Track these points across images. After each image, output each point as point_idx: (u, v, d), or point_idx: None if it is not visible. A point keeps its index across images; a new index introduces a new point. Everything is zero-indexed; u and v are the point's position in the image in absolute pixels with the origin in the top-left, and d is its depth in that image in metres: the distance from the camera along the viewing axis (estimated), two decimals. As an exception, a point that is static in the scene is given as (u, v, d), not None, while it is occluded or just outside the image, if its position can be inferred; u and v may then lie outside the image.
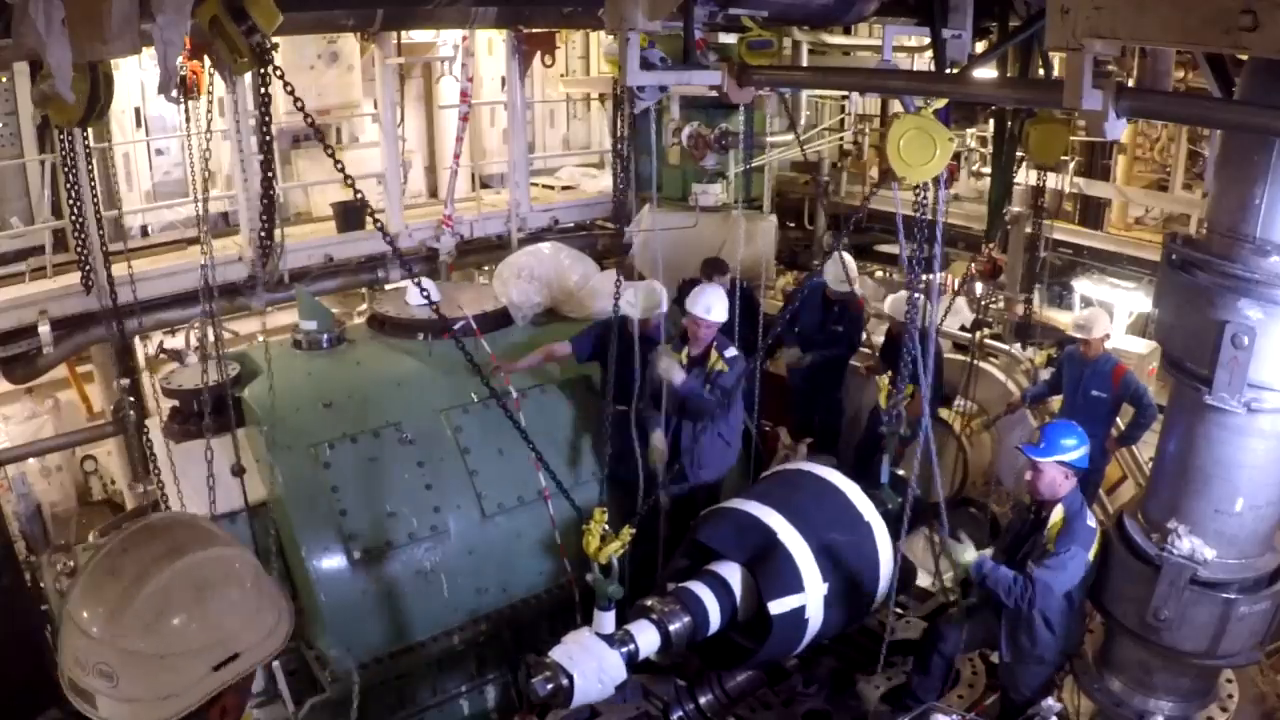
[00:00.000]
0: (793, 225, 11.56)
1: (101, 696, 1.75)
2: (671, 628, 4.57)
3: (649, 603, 4.65)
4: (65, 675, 1.77)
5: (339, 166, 3.88)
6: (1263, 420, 3.71)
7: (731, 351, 6.19)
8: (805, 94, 10.71)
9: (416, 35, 10.62)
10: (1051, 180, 10.03)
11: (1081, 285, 10.27)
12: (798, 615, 4.80)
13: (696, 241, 8.95)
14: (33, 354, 7.62)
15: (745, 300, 7.30)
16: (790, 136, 10.43)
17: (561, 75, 13.30)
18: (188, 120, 7.17)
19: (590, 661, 4.20)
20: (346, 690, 4.91)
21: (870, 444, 7.59)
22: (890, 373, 6.11)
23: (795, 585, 4.78)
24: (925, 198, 4.63)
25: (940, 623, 5.39)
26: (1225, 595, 3.95)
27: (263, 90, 3.66)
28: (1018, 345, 8.56)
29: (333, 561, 5.62)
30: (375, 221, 4.41)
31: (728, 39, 7.11)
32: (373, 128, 10.99)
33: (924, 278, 5.46)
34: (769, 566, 4.82)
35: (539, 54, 9.61)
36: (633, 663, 4.41)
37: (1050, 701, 4.37)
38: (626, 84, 4.61)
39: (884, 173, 4.35)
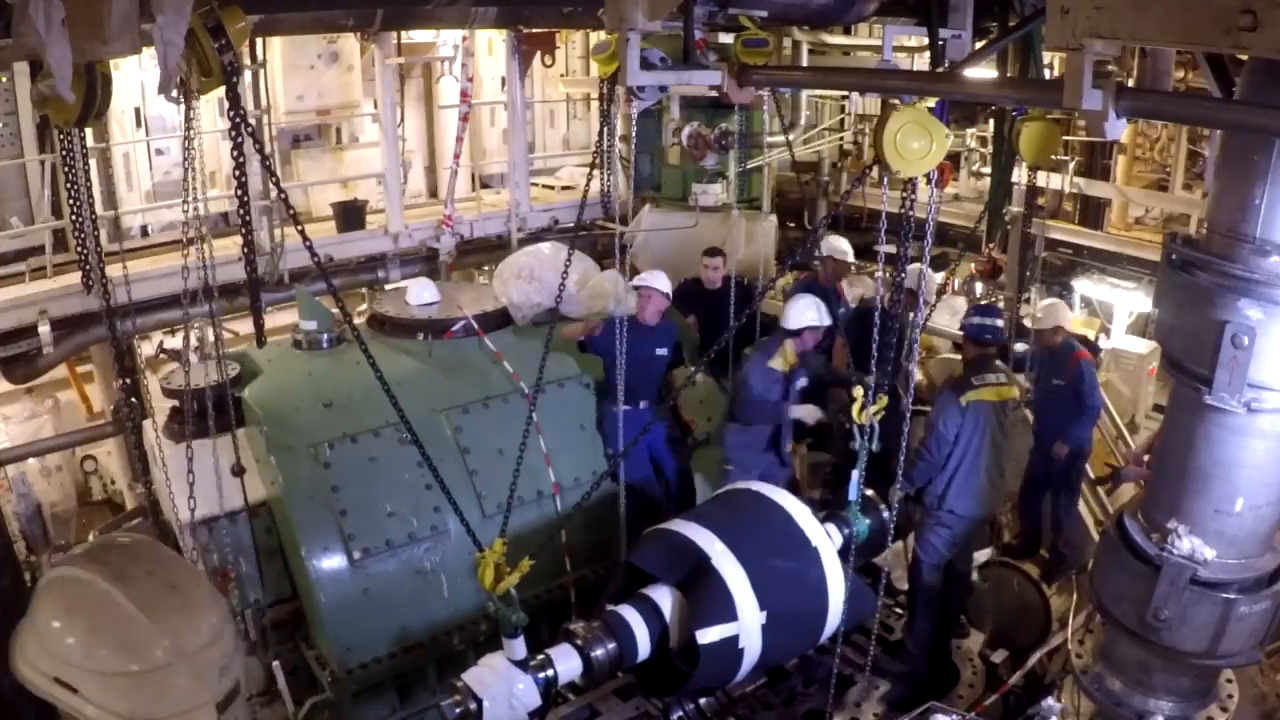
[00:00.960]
0: (793, 225, 11.57)
1: None
2: (594, 654, 4.41)
3: (573, 627, 4.52)
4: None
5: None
6: (1263, 420, 3.70)
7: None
8: (805, 94, 10.71)
9: (416, 35, 10.62)
10: (1053, 181, 10.06)
11: (1081, 285, 10.27)
12: (729, 645, 4.58)
13: (696, 241, 8.95)
14: (33, 354, 7.62)
15: (743, 298, 7.30)
16: (790, 136, 10.44)
17: (561, 75, 13.31)
18: (187, 120, 7.19)
19: (501, 686, 4.10)
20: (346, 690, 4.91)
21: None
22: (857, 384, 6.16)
23: (727, 614, 4.55)
24: (913, 194, 4.57)
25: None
26: (1225, 595, 3.95)
27: (232, 114, 3.62)
28: (1020, 345, 8.55)
29: (333, 561, 5.62)
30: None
31: (727, 39, 7.12)
32: (373, 128, 10.99)
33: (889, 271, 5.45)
34: (699, 593, 4.60)
35: (539, 54, 9.62)
36: (551, 688, 4.30)
37: (1050, 701, 4.37)
38: (626, 84, 4.60)
39: (874, 164, 4.28)
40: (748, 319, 7.06)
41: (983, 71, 5.24)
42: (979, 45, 5.48)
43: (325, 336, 6.69)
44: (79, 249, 7.44)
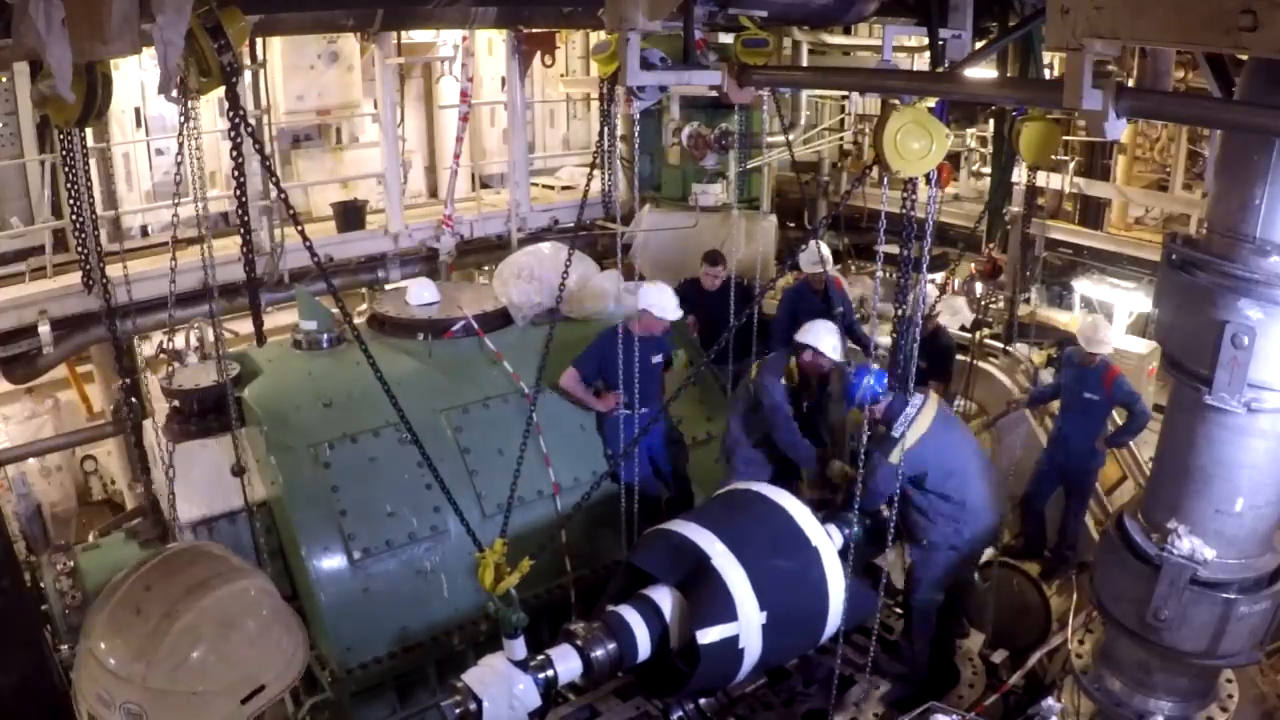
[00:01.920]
0: (793, 225, 11.57)
1: None
2: (594, 654, 4.41)
3: (574, 627, 4.52)
4: (85, 711, 1.72)
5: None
6: (1263, 420, 3.70)
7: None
8: (805, 94, 10.71)
9: (416, 35, 10.63)
10: (1053, 180, 10.06)
11: (1081, 285, 10.27)
12: (730, 645, 4.57)
13: (696, 241, 8.95)
14: (33, 354, 7.63)
15: (743, 298, 7.30)
16: (790, 136, 10.44)
17: (561, 75, 13.31)
18: (187, 120, 7.19)
19: (501, 686, 4.11)
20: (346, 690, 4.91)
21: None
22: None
23: (727, 614, 4.54)
24: (912, 194, 4.57)
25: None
26: (1225, 595, 3.95)
27: (232, 114, 3.61)
28: (1020, 345, 8.56)
29: (333, 561, 5.62)
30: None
31: (727, 39, 7.12)
32: (373, 128, 10.99)
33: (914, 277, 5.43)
34: (699, 593, 4.60)
35: (539, 54, 9.62)
36: (551, 689, 4.31)
37: (1050, 701, 4.37)
38: (626, 84, 4.60)
39: (874, 164, 4.26)
40: (747, 319, 7.09)
41: (983, 71, 5.24)
42: (979, 45, 5.48)
43: (325, 336, 6.69)
44: (79, 249, 7.45)
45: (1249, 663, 4.37)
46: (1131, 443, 7.80)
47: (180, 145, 4.58)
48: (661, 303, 6.35)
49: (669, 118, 9.77)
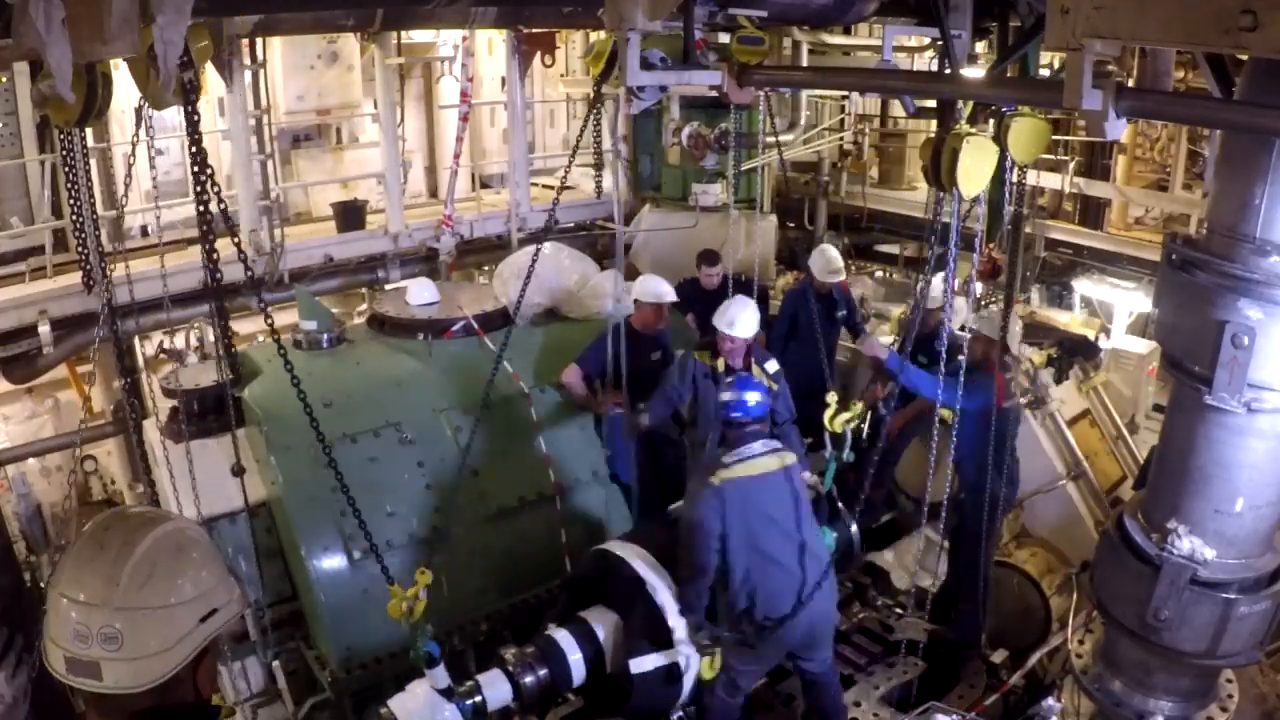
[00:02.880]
0: (793, 225, 11.57)
1: (106, 663, 1.89)
2: (524, 680, 4.35)
3: (506, 653, 4.45)
4: (61, 655, 1.91)
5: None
6: (1263, 420, 3.70)
7: (773, 364, 6.10)
8: (805, 94, 10.71)
9: (416, 35, 10.63)
10: (1047, 179, 10.05)
11: (1081, 285, 10.26)
12: (667, 672, 4.45)
13: (696, 241, 8.95)
14: (33, 354, 7.62)
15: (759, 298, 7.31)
16: (790, 136, 10.43)
17: (561, 75, 13.31)
18: (187, 120, 7.18)
19: (424, 714, 4.08)
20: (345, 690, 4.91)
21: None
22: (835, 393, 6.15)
23: (661, 641, 4.43)
24: (952, 206, 4.55)
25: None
26: (1225, 595, 3.95)
27: (191, 133, 3.55)
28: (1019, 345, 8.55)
29: (333, 561, 5.62)
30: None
31: (727, 38, 7.13)
32: (373, 128, 10.99)
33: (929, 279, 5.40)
34: (633, 619, 4.50)
35: (539, 54, 9.62)
36: (481, 714, 4.24)
37: (1050, 701, 4.37)
38: (626, 84, 4.60)
39: (938, 182, 4.29)
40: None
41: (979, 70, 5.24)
42: (982, 48, 5.48)
43: (325, 336, 6.69)
44: (79, 249, 7.45)
45: (1249, 663, 4.37)
46: (1132, 442, 7.81)
47: (147, 148, 4.53)
48: (652, 289, 6.39)
49: (669, 118, 9.77)
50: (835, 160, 11.75)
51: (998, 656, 5.95)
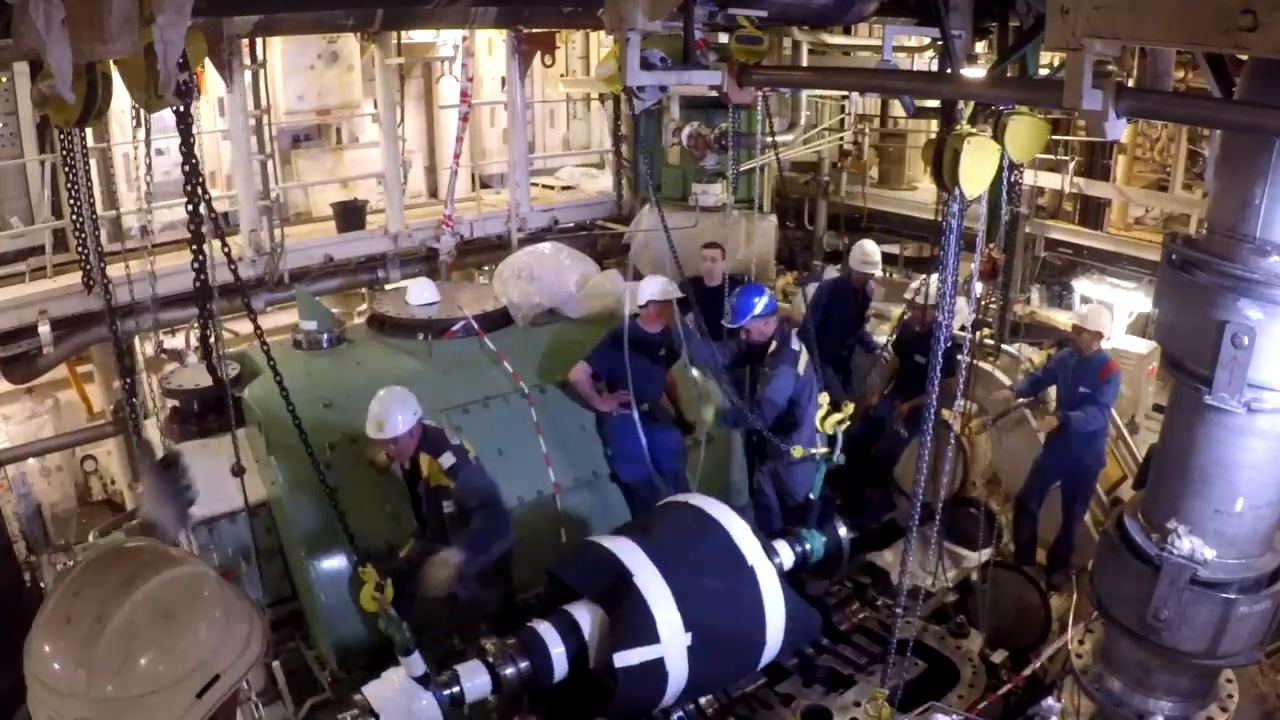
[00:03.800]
0: (793, 225, 11.57)
1: None
2: (504, 672, 4.25)
3: (487, 643, 4.37)
4: None
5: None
6: (1263, 420, 3.70)
7: (449, 458, 5.29)
8: (805, 94, 10.71)
9: (416, 35, 10.62)
10: (1041, 178, 10.06)
11: (1081, 285, 10.26)
12: (652, 668, 4.35)
13: (696, 242, 8.95)
14: (33, 354, 7.62)
15: None
16: (790, 136, 10.43)
17: (561, 75, 13.30)
18: (180, 122, 7.17)
19: (399, 701, 4.01)
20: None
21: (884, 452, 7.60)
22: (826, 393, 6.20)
23: (647, 635, 4.32)
24: (952, 205, 4.54)
25: None
26: (1225, 595, 3.95)
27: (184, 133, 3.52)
28: (1020, 345, 8.56)
29: (333, 561, 5.62)
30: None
31: (725, 38, 7.13)
32: (373, 128, 10.99)
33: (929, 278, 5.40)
34: (620, 612, 4.39)
35: (539, 54, 9.62)
36: (459, 704, 4.17)
37: (1050, 701, 4.37)
38: (626, 84, 4.59)
39: (941, 183, 4.28)
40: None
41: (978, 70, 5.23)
42: (982, 48, 5.47)
43: (325, 336, 6.69)
44: (79, 249, 7.44)
45: (1249, 663, 4.37)
46: (1132, 442, 7.80)
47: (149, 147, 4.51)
48: (660, 289, 6.40)
49: (669, 118, 9.77)
50: (835, 160, 11.75)
51: (998, 656, 5.95)
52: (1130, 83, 7.14)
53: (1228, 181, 3.71)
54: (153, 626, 1.66)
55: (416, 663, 4.07)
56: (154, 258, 6.87)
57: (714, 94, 5.05)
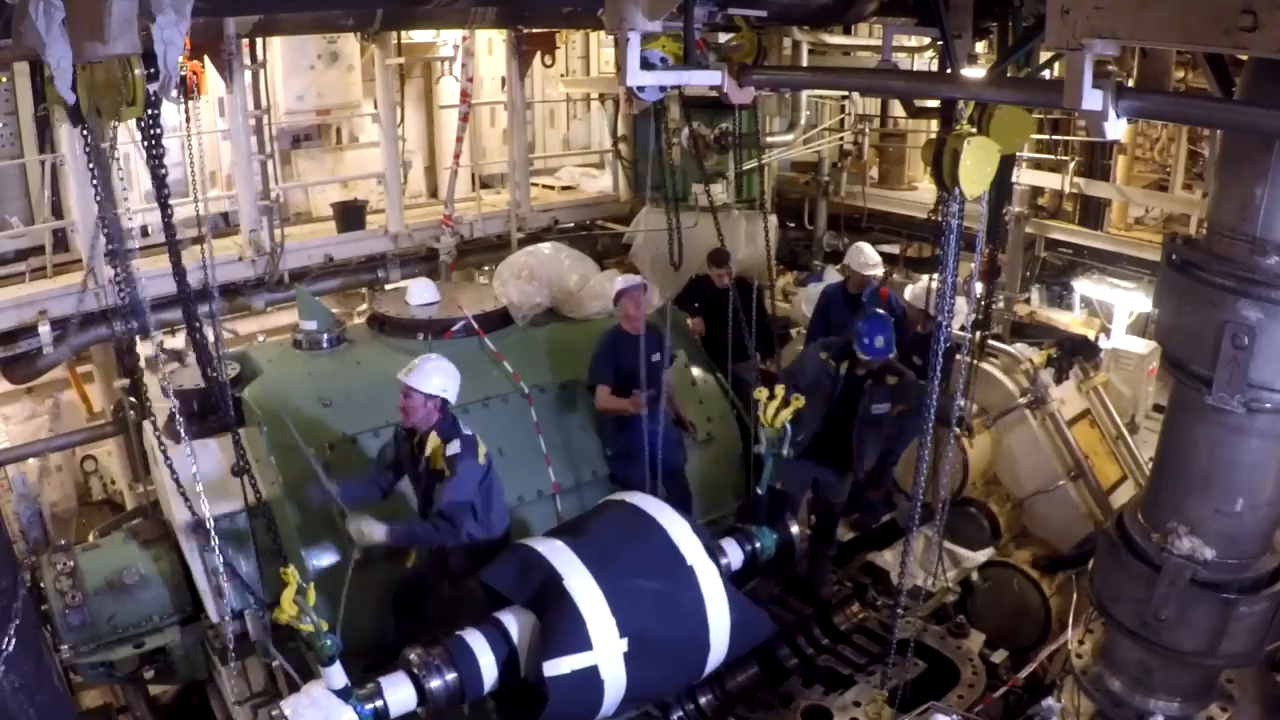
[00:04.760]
0: (793, 225, 11.57)
1: None
2: (430, 684, 4.05)
3: (411, 654, 4.14)
4: None
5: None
6: (1263, 420, 3.71)
7: (455, 447, 5.14)
8: (805, 94, 10.72)
9: (416, 35, 10.62)
10: (1025, 176, 10.07)
11: (1081, 285, 10.27)
12: (586, 677, 4.12)
13: (696, 241, 8.95)
14: (33, 354, 7.62)
15: (750, 298, 7.29)
16: (790, 136, 10.43)
17: (561, 75, 13.31)
18: (188, 120, 7.18)
19: (318, 717, 3.84)
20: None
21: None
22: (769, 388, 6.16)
23: (579, 642, 4.11)
24: (952, 206, 4.53)
25: None
26: (1225, 595, 3.95)
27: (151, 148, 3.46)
28: (1020, 345, 8.55)
29: (333, 561, 5.61)
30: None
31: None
32: (373, 128, 10.99)
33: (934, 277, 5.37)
34: (549, 619, 4.19)
35: (539, 54, 9.62)
36: (382, 719, 4.00)
37: (1050, 701, 4.37)
38: (626, 84, 4.59)
39: (941, 183, 4.25)
40: (754, 319, 7.10)
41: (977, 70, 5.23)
42: (982, 48, 5.46)
43: (325, 336, 6.68)
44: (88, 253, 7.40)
45: (1249, 663, 4.38)
46: (1132, 442, 7.80)
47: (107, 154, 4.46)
48: (622, 280, 6.41)
49: (669, 118, 9.76)
50: (835, 160, 11.75)
51: (998, 656, 5.95)
52: (1130, 83, 7.15)
53: (1228, 181, 3.71)
54: None
55: (337, 674, 3.88)
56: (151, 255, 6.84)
57: (714, 94, 5.04)
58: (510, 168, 10.08)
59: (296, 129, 11.19)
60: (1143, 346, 8.65)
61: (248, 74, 8.08)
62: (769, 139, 10.30)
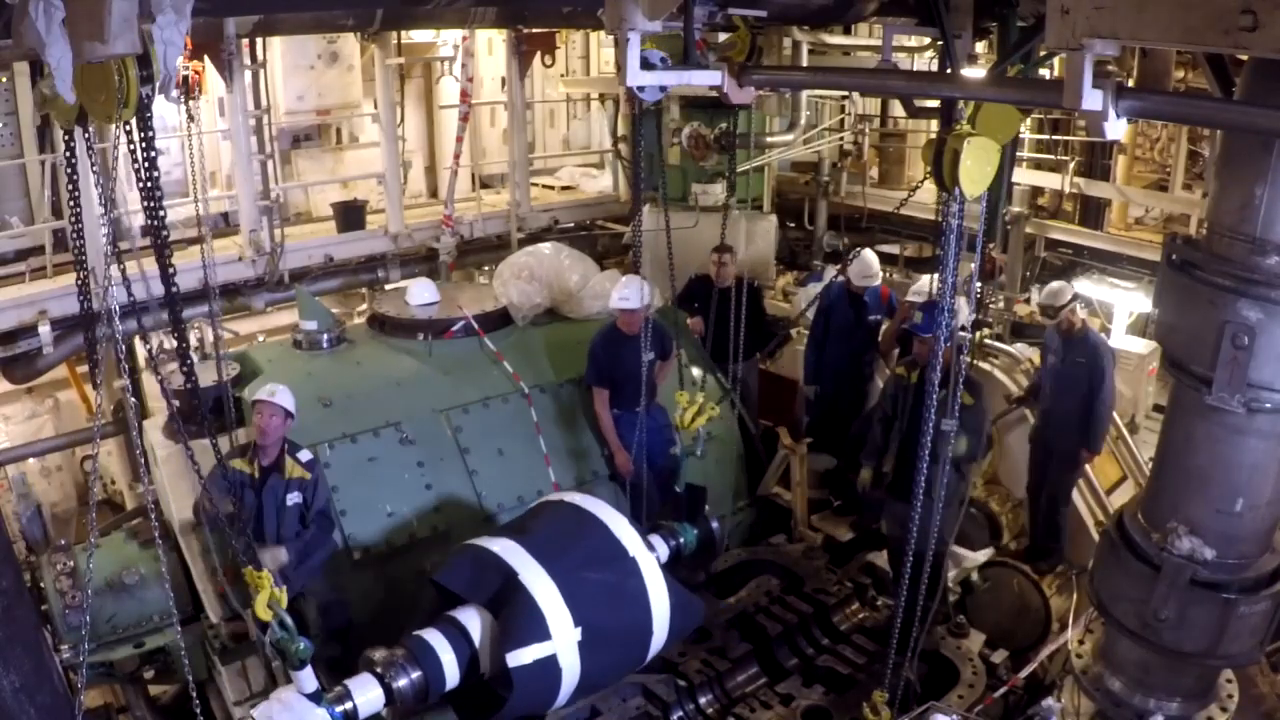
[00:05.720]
0: (793, 225, 11.57)
1: None
2: (396, 684, 4.15)
3: (374, 655, 4.22)
4: None
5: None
6: (1262, 420, 3.71)
7: (305, 454, 5.39)
8: (805, 94, 10.72)
9: (416, 35, 10.63)
10: (1023, 176, 10.07)
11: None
12: (546, 665, 4.29)
13: (696, 241, 8.94)
14: (33, 354, 7.62)
15: (751, 298, 7.28)
16: (790, 136, 10.43)
17: (561, 75, 13.31)
18: (189, 120, 7.19)
19: None
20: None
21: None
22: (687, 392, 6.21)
23: (539, 632, 4.28)
24: (953, 206, 4.53)
25: None
26: (1225, 595, 3.95)
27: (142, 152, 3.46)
28: (1020, 345, 8.55)
29: (333, 562, 5.62)
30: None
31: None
32: (373, 128, 10.99)
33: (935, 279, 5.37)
34: (509, 612, 4.33)
35: (539, 54, 9.62)
36: None
37: (1050, 701, 4.37)
38: (626, 84, 4.59)
39: (941, 183, 4.24)
40: (755, 319, 7.10)
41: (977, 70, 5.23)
42: (982, 49, 5.45)
43: (325, 336, 6.68)
44: (77, 251, 7.40)
45: (1249, 663, 4.38)
46: (1132, 442, 7.79)
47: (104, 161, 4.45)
48: (627, 294, 6.38)
49: (669, 118, 9.77)
50: (835, 160, 11.75)
51: (998, 656, 5.95)
52: (1130, 83, 7.16)
53: (1228, 181, 3.71)
54: None
55: (308, 678, 3.92)
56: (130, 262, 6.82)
57: (714, 94, 5.04)
58: (510, 168, 10.08)
59: (296, 129, 11.19)
60: (1143, 346, 8.65)
61: (248, 74, 8.08)
62: (769, 139, 10.31)
